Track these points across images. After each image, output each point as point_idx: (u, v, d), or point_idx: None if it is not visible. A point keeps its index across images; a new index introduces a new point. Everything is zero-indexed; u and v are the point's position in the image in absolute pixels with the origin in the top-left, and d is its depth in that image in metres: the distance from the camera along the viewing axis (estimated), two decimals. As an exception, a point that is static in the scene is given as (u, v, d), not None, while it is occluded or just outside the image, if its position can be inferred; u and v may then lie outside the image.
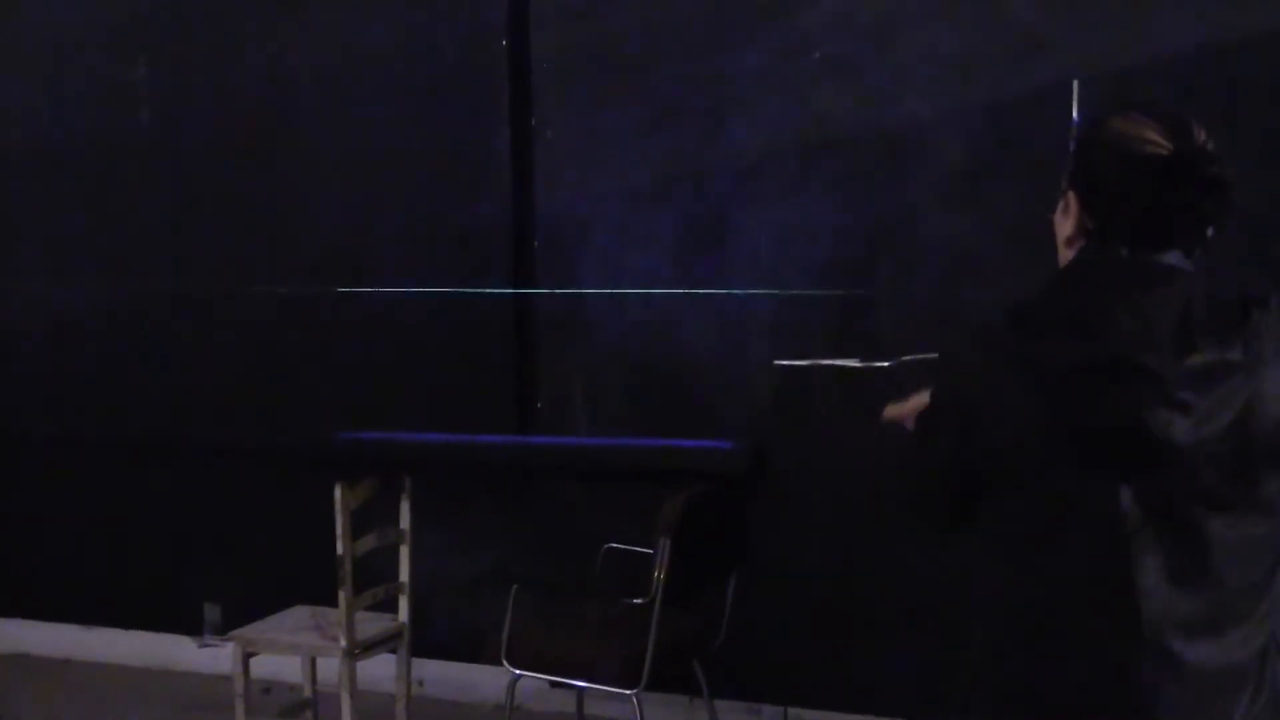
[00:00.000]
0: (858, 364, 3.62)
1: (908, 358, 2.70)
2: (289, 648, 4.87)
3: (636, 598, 4.38)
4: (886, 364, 2.69)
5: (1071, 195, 2.10)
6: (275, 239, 5.74)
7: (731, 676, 4.97)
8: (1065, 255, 2.12)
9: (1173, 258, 2.02)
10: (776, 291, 4.95)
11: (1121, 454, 1.93)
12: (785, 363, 4.00)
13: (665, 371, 5.17)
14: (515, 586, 4.61)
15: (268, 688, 5.63)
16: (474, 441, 5.30)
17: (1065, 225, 2.12)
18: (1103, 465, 1.93)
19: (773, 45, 4.93)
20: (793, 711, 5.05)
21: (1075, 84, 2.97)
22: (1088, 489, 1.94)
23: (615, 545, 4.89)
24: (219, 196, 5.84)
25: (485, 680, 5.30)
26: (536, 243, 5.33)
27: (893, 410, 2.45)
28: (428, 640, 5.20)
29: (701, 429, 5.05)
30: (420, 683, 5.37)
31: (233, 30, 5.75)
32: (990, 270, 4.65)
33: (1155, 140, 2.01)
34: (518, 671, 4.54)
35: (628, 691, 4.37)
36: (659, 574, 4.33)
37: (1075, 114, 2.95)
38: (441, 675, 5.52)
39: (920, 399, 2.31)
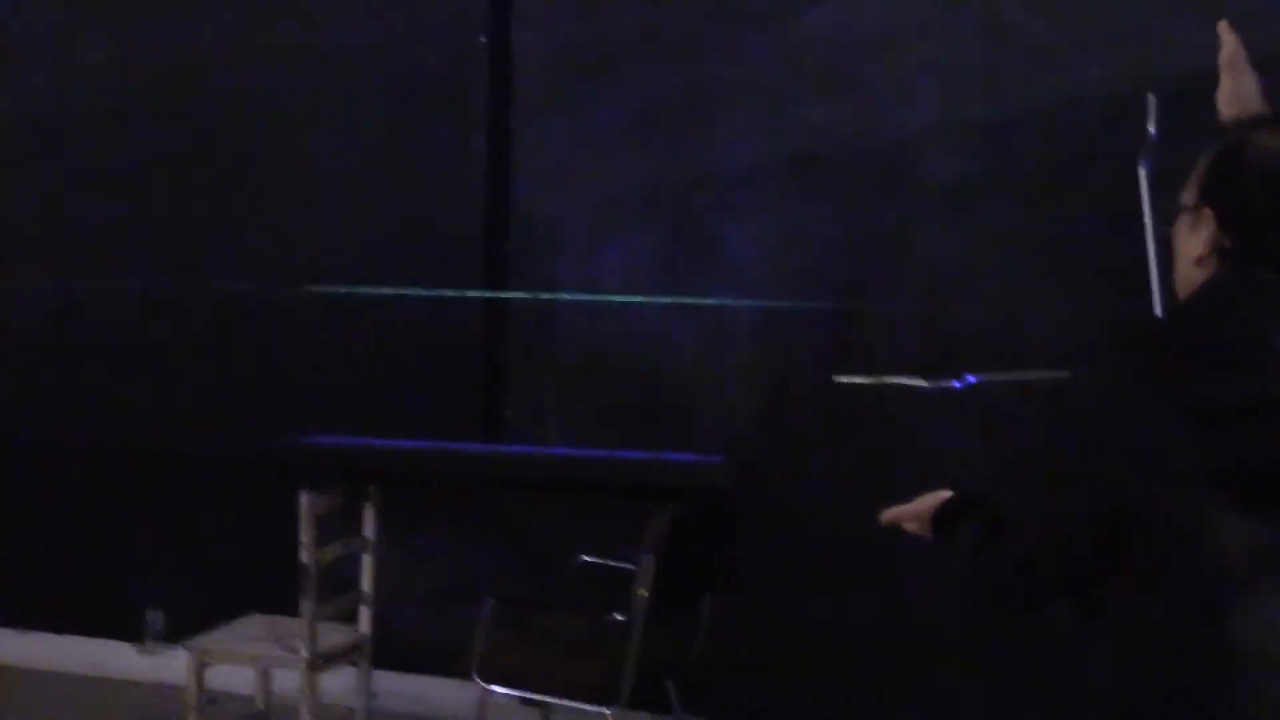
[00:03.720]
0: (924, 383, 3.50)
1: (981, 377, 2.59)
2: (247, 659, 4.73)
3: (613, 613, 4.30)
4: (954, 384, 2.57)
5: (1206, 211, 1.99)
6: (239, 235, 5.58)
7: (704, 695, 4.86)
8: (1191, 274, 2.02)
9: None
10: (762, 302, 4.87)
11: (1267, 495, 1.84)
12: (845, 378, 3.88)
13: (641, 382, 5.09)
14: (491, 600, 4.47)
15: (214, 698, 5.43)
16: (442, 449, 5.19)
17: (1194, 243, 2.02)
18: (1262, 515, 1.84)
19: (765, 52, 4.87)
20: None
21: (1151, 98, 2.88)
22: (1241, 547, 1.86)
23: (589, 559, 4.77)
24: (179, 190, 5.67)
25: (445, 694, 5.16)
26: (510, 245, 5.24)
27: (895, 513, 2.39)
28: (388, 652, 5.06)
29: (678, 441, 4.96)
30: (377, 695, 5.18)
31: (200, 16, 5.59)
32: (983, 287, 4.61)
33: None
34: (489, 687, 4.41)
35: (606, 710, 4.26)
36: (641, 591, 4.22)
37: (1152, 128, 2.86)
38: (401, 688, 5.35)
39: (928, 500, 2.28)
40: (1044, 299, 4.40)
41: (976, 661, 4.65)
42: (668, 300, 4.96)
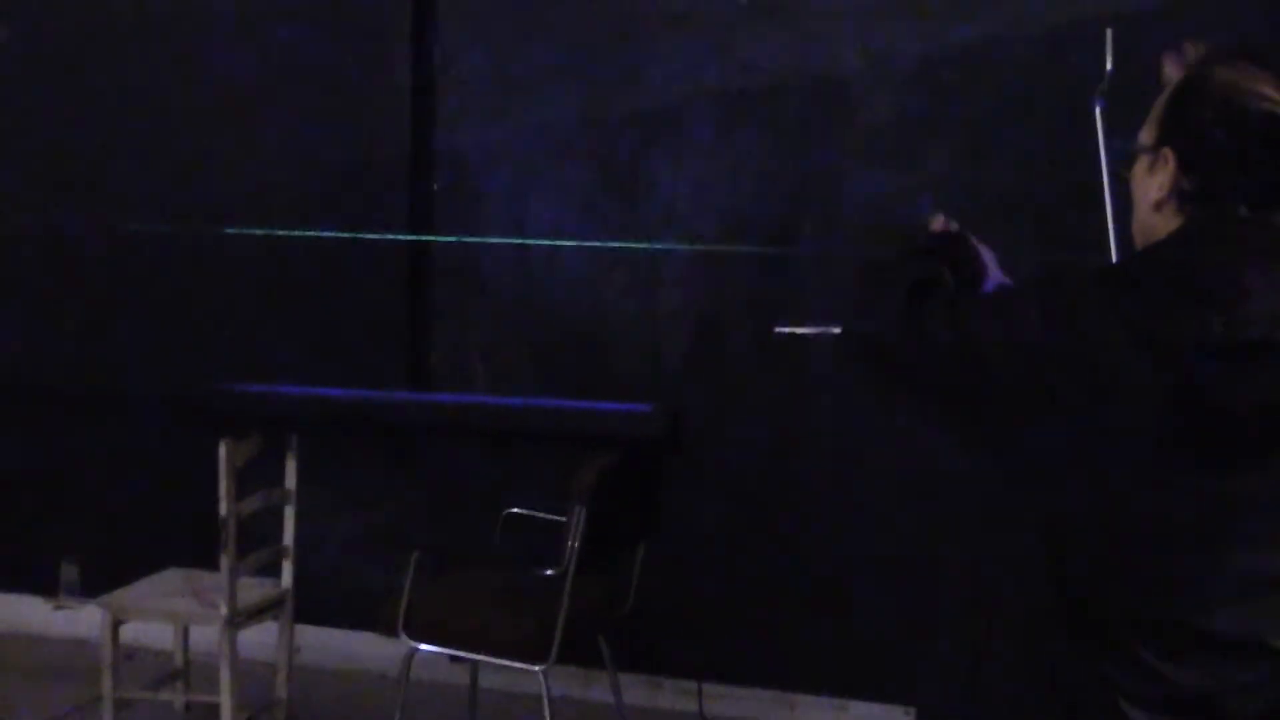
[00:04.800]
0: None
1: None
2: (165, 615, 4.58)
3: (543, 566, 4.15)
4: None
5: (1166, 152, 1.88)
6: (153, 173, 5.40)
7: (636, 649, 4.81)
8: (1151, 220, 1.92)
9: None
10: (693, 246, 4.77)
11: (1241, 439, 1.74)
12: (787, 329, 3.75)
13: (571, 327, 5.00)
14: (415, 553, 4.34)
15: (131, 654, 5.29)
16: (365, 397, 5.07)
17: (1151, 185, 1.91)
18: (1225, 454, 1.74)
19: None
20: (702, 686, 4.88)
21: (1109, 32, 2.76)
22: (1202, 480, 1.75)
23: (516, 510, 4.66)
24: (89, 124, 5.48)
25: (370, 648, 5.04)
26: (436, 186, 5.11)
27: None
28: (310, 605, 4.94)
29: (608, 389, 4.86)
30: (299, 649, 5.08)
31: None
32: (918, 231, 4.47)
33: (1270, 94, 1.83)
34: (416, 644, 4.27)
35: (536, 667, 4.14)
36: (572, 544, 4.10)
37: (1109, 64, 2.74)
38: (325, 642, 5.27)
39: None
40: (986, 244, 4.31)
41: (912, 607, 4.61)
42: (596, 244, 4.85)
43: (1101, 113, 2.63)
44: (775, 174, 4.72)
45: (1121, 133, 2.17)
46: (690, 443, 4.78)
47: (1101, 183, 2.59)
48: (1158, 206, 1.90)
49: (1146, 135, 1.93)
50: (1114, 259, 2.58)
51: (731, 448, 4.83)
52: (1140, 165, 1.94)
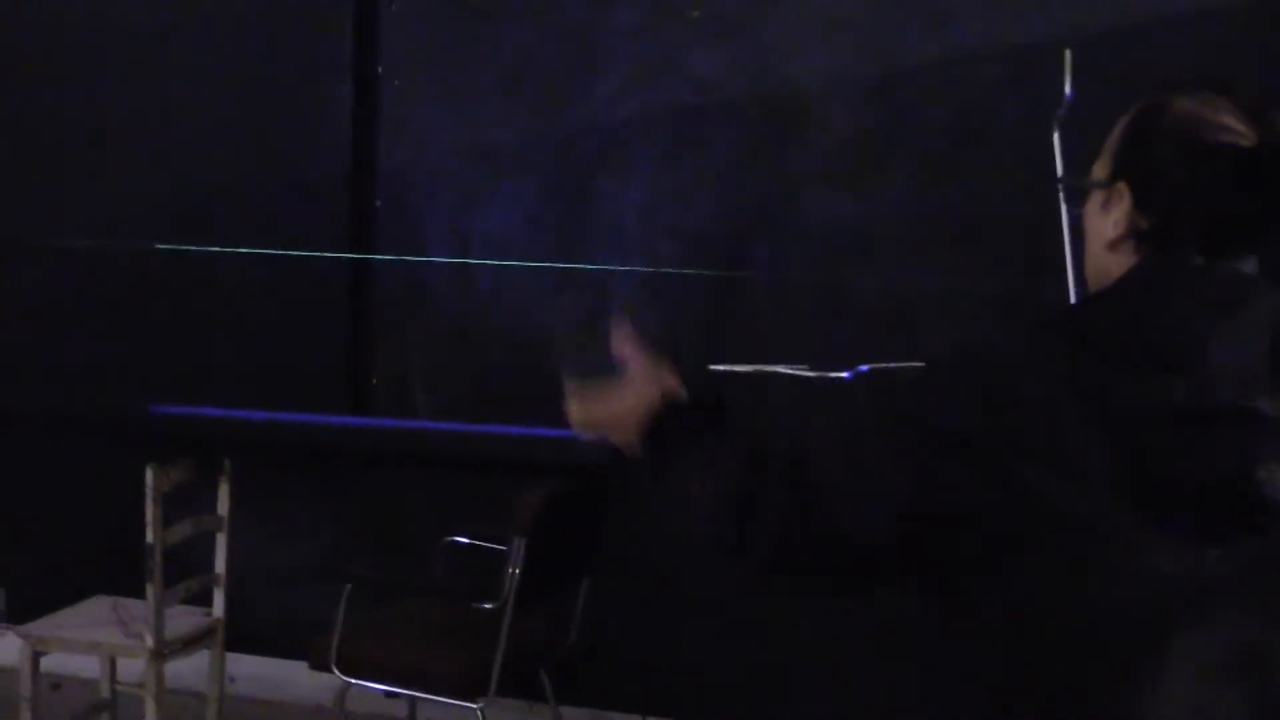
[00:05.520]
0: (809, 373, 3.22)
1: (874, 366, 2.30)
2: (87, 647, 4.42)
3: (483, 599, 4.05)
4: (845, 375, 2.27)
5: (1120, 187, 1.73)
6: (84, 186, 5.29)
7: (579, 682, 4.71)
8: (1104, 261, 1.76)
9: (1249, 267, 1.69)
10: (643, 268, 4.69)
11: (1206, 516, 1.58)
12: (721, 367, 3.61)
13: (516, 350, 4.88)
14: (349, 586, 4.22)
15: (57, 683, 5.14)
16: (302, 421, 4.98)
17: (1107, 223, 1.75)
18: (1184, 536, 1.58)
19: (647, 1, 4.70)
20: None
21: (1068, 53, 2.62)
22: (1152, 574, 1.59)
23: (457, 540, 4.56)
24: (16, 138, 5.37)
25: (305, 678, 4.90)
26: (378, 203, 5.01)
27: (585, 409, 1.94)
28: (243, 634, 4.83)
29: (554, 415, 4.71)
30: (232, 679, 4.97)
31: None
32: (878, 254, 4.46)
33: (1233, 126, 1.67)
34: (349, 680, 4.16)
35: (473, 705, 4.03)
36: (512, 575, 3.99)
37: (1068, 88, 2.61)
38: (258, 672, 5.15)
39: (637, 392, 1.85)
40: (945, 270, 4.24)
41: (859, 637, 4.51)
42: (543, 264, 4.78)
43: (1059, 138, 2.49)
44: (729, 194, 4.64)
45: (1081, 159, 2.04)
46: (638, 471, 4.63)
47: (1059, 210, 2.45)
48: (1112, 247, 1.75)
49: (1100, 169, 1.78)
50: (1071, 290, 2.44)
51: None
52: (1093, 201, 1.79)
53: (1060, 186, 2.41)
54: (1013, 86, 4.27)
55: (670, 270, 4.63)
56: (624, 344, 1.94)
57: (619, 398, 1.91)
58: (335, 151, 5.00)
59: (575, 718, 4.78)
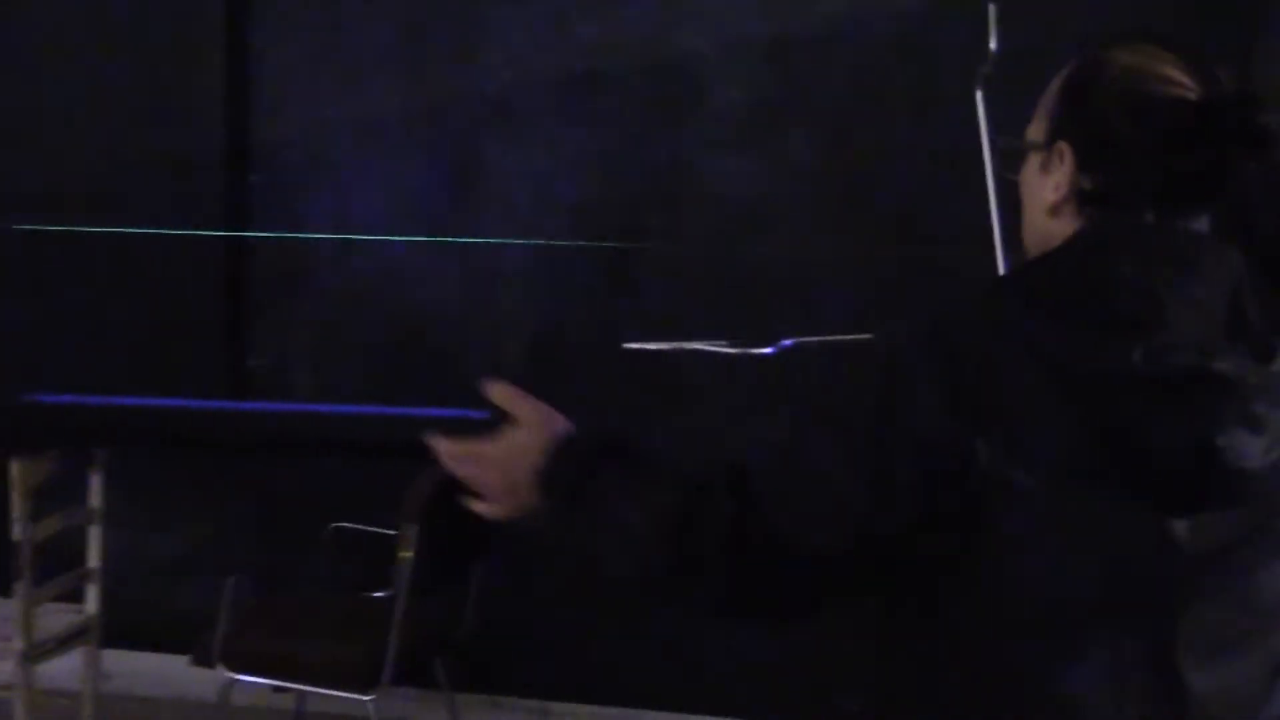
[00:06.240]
0: (729, 349, 3.09)
1: (798, 340, 2.18)
2: (-51, 650, 4.25)
3: (374, 589, 4.05)
4: (768, 350, 2.13)
5: (1061, 147, 1.64)
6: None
7: (475, 669, 4.64)
8: (1045, 226, 1.66)
9: (1202, 226, 1.61)
10: (532, 241, 4.63)
11: (1170, 487, 1.50)
12: (635, 345, 3.49)
13: (402, 329, 4.82)
14: (231, 579, 4.12)
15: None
16: (178, 407, 4.82)
17: (1047, 186, 1.66)
18: (1141, 501, 1.50)
19: None
20: (545, 705, 4.78)
21: (992, 7, 2.51)
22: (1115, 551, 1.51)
23: (345, 525, 4.45)
24: None
25: (185, 674, 4.80)
26: (254, 179, 4.91)
27: (463, 455, 1.77)
28: (121, 630, 4.69)
29: (444, 395, 4.66)
30: (109, 677, 4.80)
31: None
32: (775, 224, 4.41)
33: (1178, 79, 1.60)
34: (234, 675, 4.06)
35: (365, 698, 3.95)
36: (405, 563, 3.91)
37: (994, 43, 2.49)
38: (136, 668, 4.97)
39: (522, 445, 1.69)
40: (847, 239, 4.20)
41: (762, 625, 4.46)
42: (428, 239, 4.71)
43: (984, 98, 2.39)
44: (621, 164, 4.60)
45: (1007, 121, 1.93)
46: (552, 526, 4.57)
47: (985, 175, 2.34)
48: (1054, 210, 1.65)
49: (1036, 130, 1.70)
50: (999, 258, 2.33)
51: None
52: (1030, 164, 1.70)
53: (988, 145, 2.31)
54: (909, 47, 4.26)
55: (561, 243, 4.58)
56: (503, 399, 1.76)
57: (501, 451, 1.74)
58: (208, 126, 4.90)
59: (471, 705, 4.71)
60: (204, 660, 4.10)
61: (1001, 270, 2.26)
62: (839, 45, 4.36)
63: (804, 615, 1.67)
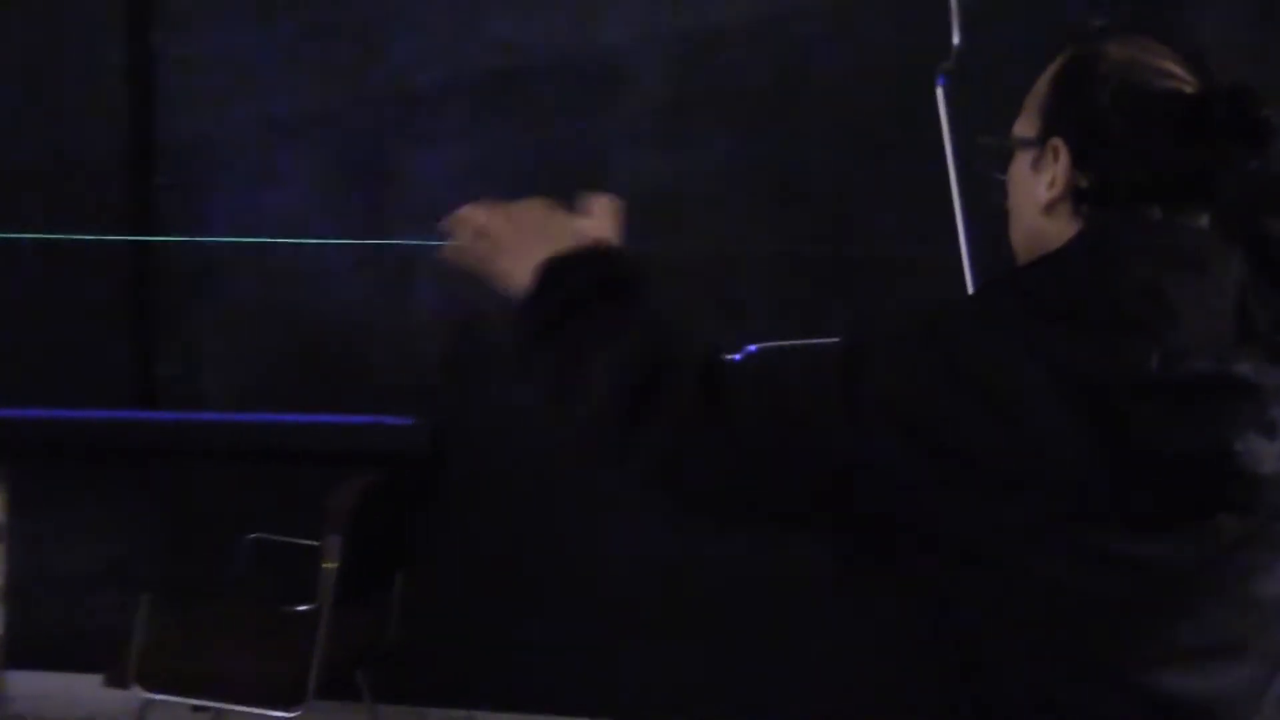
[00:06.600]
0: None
1: (764, 346, 2.09)
2: None
3: (295, 601, 3.87)
4: (734, 358, 2.04)
5: (1056, 144, 1.59)
6: None
7: (400, 679, 4.54)
8: (1040, 226, 1.62)
9: (1203, 223, 1.56)
10: (445, 242, 4.45)
11: (1185, 494, 1.45)
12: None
13: (316, 334, 4.73)
14: (146, 595, 3.99)
15: None
16: (83, 418, 4.75)
17: (1039, 185, 1.61)
18: (1159, 516, 1.46)
19: None
20: (470, 714, 4.69)
21: (953, 1, 2.44)
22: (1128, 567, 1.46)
23: (263, 536, 4.34)
24: None
25: (97, 693, 4.63)
26: (158, 180, 4.80)
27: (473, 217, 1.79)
28: (27, 649, 4.65)
29: (362, 401, 4.59)
30: (12, 699, 4.75)
31: None
32: (695, 221, 4.35)
33: (1175, 72, 1.56)
34: (150, 695, 3.93)
35: (289, 715, 3.84)
36: (328, 575, 3.80)
37: (956, 38, 2.42)
38: (42, 689, 4.84)
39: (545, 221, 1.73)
40: (770, 236, 4.15)
41: (698, 622, 4.43)
42: (341, 241, 4.60)
43: (945, 94, 2.32)
44: (538, 161, 4.50)
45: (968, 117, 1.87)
46: (455, 457, 4.55)
47: (948, 172, 2.28)
48: (1049, 209, 1.61)
49: (1026, 126, 1.65)
50: (965, 261, 2.27)
51: (499, 461, 4.59)
52: (1020, 162, 1.65)
53: (950, 142, 2.25)
54: (832, 42, 4.21)
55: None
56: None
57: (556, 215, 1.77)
58: (110, 127, 4.78)
59: (394, 715, 4.61)
60: (118, 680, 3.96)
61: (967, 270, 2.20)
62: (760, 38, 4.30)
63: (737, 520, 1.64)
